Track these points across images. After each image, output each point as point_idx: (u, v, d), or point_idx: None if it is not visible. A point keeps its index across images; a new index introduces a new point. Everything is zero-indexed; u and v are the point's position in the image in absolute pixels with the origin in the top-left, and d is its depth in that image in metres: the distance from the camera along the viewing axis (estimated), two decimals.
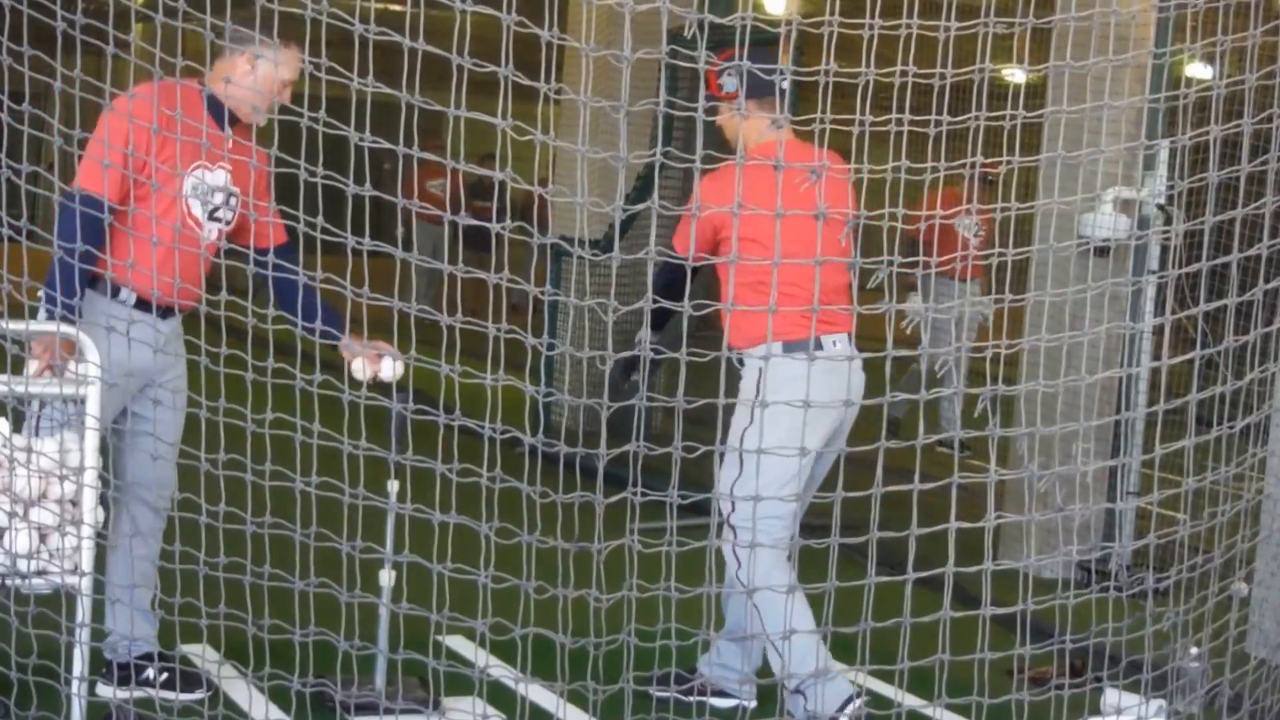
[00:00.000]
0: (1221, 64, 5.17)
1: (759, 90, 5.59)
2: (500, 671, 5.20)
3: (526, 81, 4.58)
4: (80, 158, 5.15)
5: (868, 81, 4.82)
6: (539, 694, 5.36)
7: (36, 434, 5.16)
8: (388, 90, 4.64)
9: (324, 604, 5.08)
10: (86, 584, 5.07)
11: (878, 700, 5.55)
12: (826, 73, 4.83)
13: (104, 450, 5.23)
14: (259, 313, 5.08)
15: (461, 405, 4.85)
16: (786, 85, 5.76)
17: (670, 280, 5.61)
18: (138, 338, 5.18)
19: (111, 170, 5.08)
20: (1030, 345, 5.62)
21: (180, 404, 5.43)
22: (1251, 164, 5.00)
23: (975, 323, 10.64)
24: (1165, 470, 5.28)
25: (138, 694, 5.30)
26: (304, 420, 4.91)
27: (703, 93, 4.51)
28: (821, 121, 5.20)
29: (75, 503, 5.07)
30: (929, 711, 5.23)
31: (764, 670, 5.89)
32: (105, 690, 5.43)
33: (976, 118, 4.70)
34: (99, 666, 5.47)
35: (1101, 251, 7.85)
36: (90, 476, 4.99)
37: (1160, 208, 7.99)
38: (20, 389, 5.06)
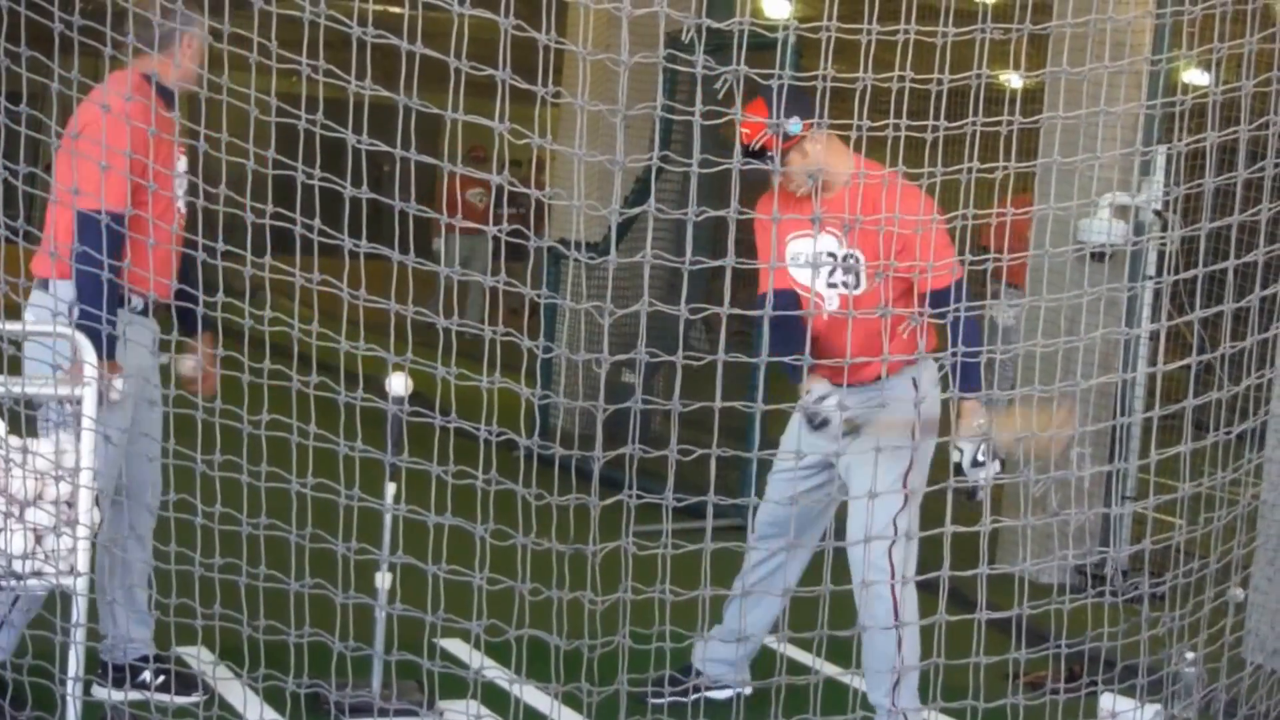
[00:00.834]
0: (1218, 70, 5.17)
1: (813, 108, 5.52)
2: (495, 673, 5.20)
3: (524, 85, 4.58)
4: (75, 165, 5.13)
5: (866, 86, 4.83)
6: (534, 696, 5.37)
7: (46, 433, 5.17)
8: (385, 93, 4.65)
9: (319, 605, 5.08)
10: (82, 585, 5.07)
11: (863, 703, 5.57)
12: (824, 77, 4.83)
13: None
14: (255, 314, 5.09)
15: (458, 408, 4.85)
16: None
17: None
18: (136, 339, 5.18)
19: (121, 179, 5.08)
20: (1027, 350, 5.62)
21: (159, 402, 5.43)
22: (1248, 170, 5.01)
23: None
24: (1162, 475, 5.28)
25: (133, 696, 5.30)
26: (300, 422, 4.91)
27: (699, 97, 4.51)
28: (819, 126, 5.22)
29: (71, 504, 5.07)
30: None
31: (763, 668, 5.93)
32: (101, 691, 5.43)
33: (974, 123, 4.70)
34: (94, 668, 5.47)
35: (1098, 257, 7.85)
36: (86, 477, 4.99)
37: (1157, 213, 7.99)
38: (16, 390, 5.06)
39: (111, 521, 5.33)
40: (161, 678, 5.47)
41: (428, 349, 4.85)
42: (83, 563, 5.07)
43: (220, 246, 5.20)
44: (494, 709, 5.41)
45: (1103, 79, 4.89)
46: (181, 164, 5.41)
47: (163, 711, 5.18)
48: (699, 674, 6.07)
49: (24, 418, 5.16)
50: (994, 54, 4.76)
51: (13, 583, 5.05)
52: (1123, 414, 7.83)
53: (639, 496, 4.77)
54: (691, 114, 4.53)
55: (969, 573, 4.94)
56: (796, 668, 5.07)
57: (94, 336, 5.00)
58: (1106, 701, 5.64)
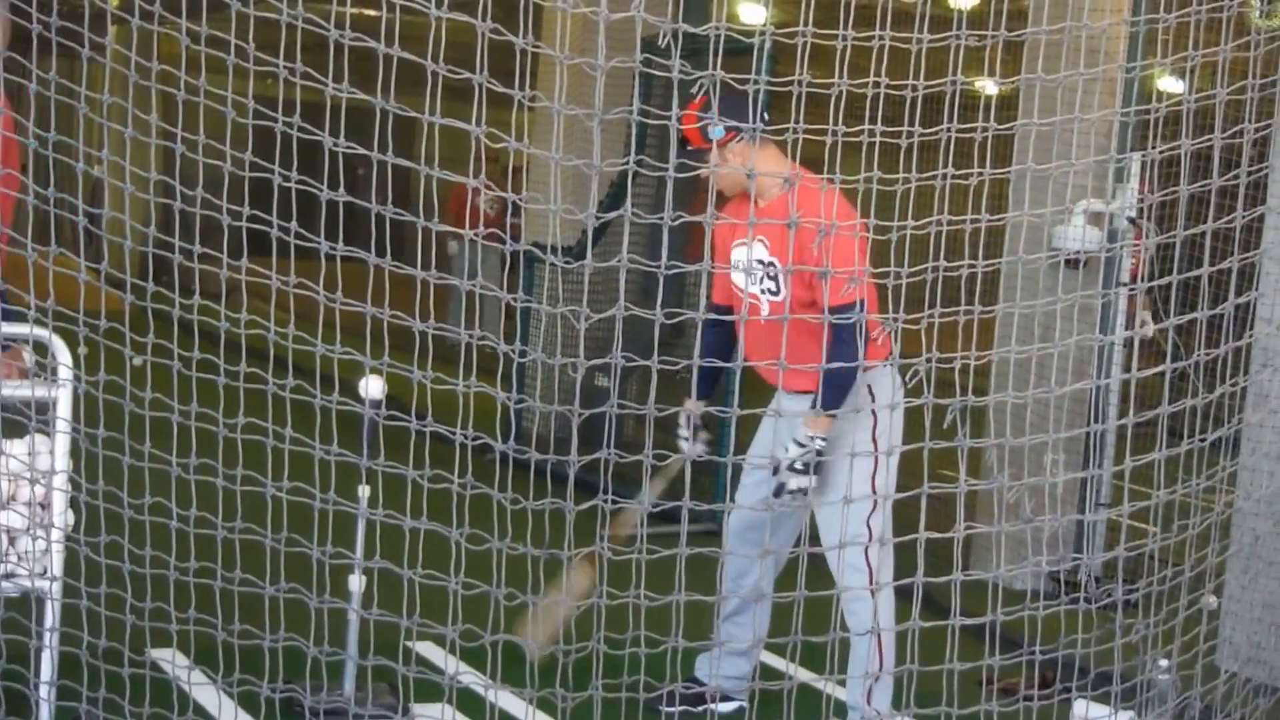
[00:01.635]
0: (1192, 78, 5.19)
1: (746, 114, 5.55)
2: (470, 678, 5.20)
3: (501, 88, 4.59)
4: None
5: (841, 92, 4.84)
6: (508, 701, 5.36)
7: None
8: (362, 96, 4.65)
9: (294, 609, 5.07)
10: (56, 588, 5.06)
11: (837, 709, 5.58)
12: (800, 83, 4.83)
13: (75, 454, 5.22)
14: (232, 316, 5.08)
15: (433, 411, 4.85)
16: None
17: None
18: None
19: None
20: (1000, 356, 5.64)
21: None
22: (1222, 178, 5.03)
23: None
24: (1135, 482, 5.29)
25: (105, 697, 5.29)
26: (276, 425, 4.91)
27: (675, 102, 4.52)
28: (795, 131, 5.22)
29: (45, 506, 5.06)
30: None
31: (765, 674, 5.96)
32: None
33: (949, 129, 4.71)
34: (69, 671, 5.45)
35: (1072, 263, 7.87)
36: (60, 480, 4.98)
37: (1131, 221, 8.02)
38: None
39: None
40: None
41: (404, 353, 4.84)
42: (56, 565, 5.06)
43: (196, 249, 5.21)
44: (468, 714, 5.40)
45: (1078, 86, 4.92)
46: None
47: (136, 715, 5.17)
48: (704, 684, 6.11)
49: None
50: (969, 60, 4.77)
51: None
52: (1096, 421, 7.86)
53: (614, 501, 4.78)
54: (668, 118, 4.54)
55: (943, 579, 4.95)
56: (770, 673, 5.09)
57: None
58: (1080, 709, 5.65)
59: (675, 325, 4.94)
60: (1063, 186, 7.51)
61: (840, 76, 4.78)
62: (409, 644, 5.22)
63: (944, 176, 4.75)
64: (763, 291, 5.74)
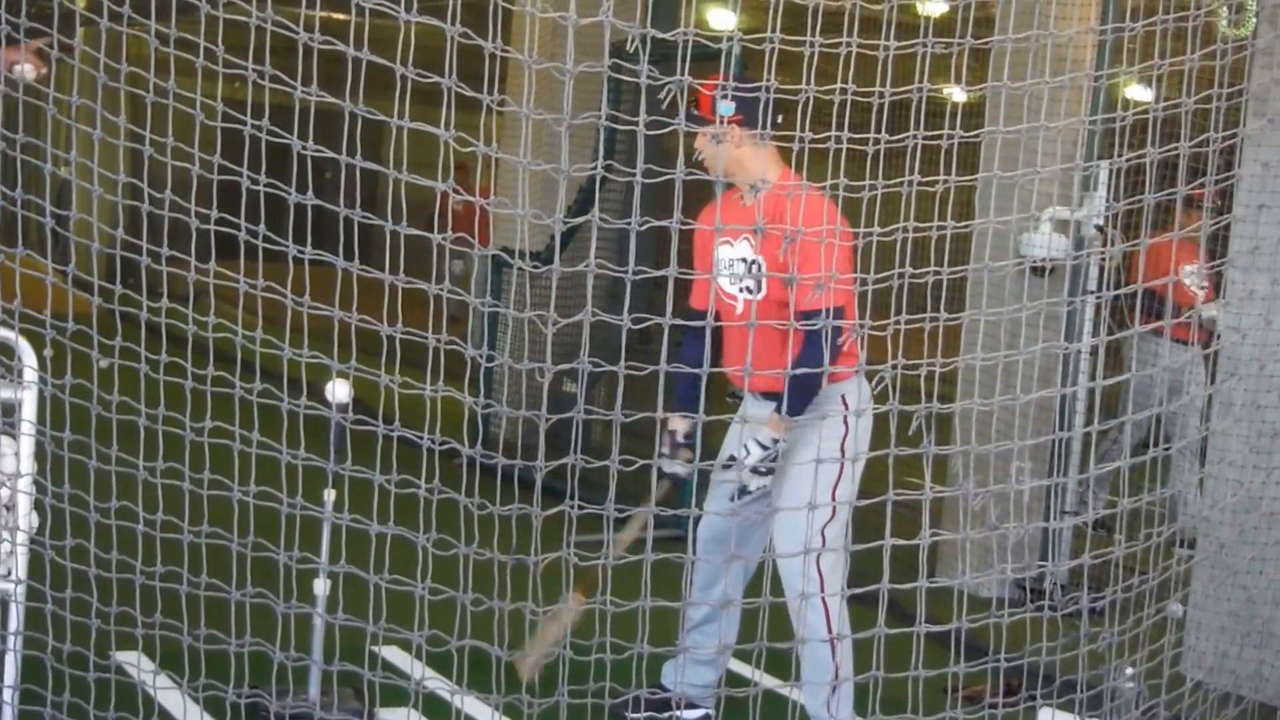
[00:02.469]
0: (1159, 87, 5.21)
1: (759, 119, 5.58)
2: (436, 683, 5.19)
3: (469, 92, 4.59)
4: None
5: (808, 98, 4.85)
6: (474, 706, 5.36)
7: None
8: (331, 99, 4.64)
9: (259, 614, 5.06)
10: (21, 591, 5.04)
11: (801, 715, 5.58)
12: (768, 89, 4.85)
13: (41, 456, 5.20)
14: (200, 320, 5.07)
15: (400, 416, 4.85)
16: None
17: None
18: None
19: None
20: (967, 363, 5.65)
21: None
22: (1188, 187, 5.05)
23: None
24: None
25: (70, 701, 5.27)
26: (242, 429, 4.90)
27: (643, 106, 4.52)
28: (762, 138, 5.24)
29: (10, 508, 5.04)
30: None
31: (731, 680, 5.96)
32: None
33: (915, 136, 4.73)
34: (32, 674, 5.43)
35: (1039, 271, 7.90)
36: (25, 483, 4.96)
37: (1098, 228, 8.05)
38: None
39: None
40: None
41: (371, 357, 4.84)
42: (21, 568, 5.04)
43: (164, 251, 5.19)
44: (434, 719, 5.39)
45: (1045, 94, 4.92)
46: None
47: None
48: (669, 691, 6.10)
49: None
50: (936, 68, 4.79)
51: None
52: (1062, 428, 7.88)
53: (580, 507, 4.78)
54: (635, 124, 4.54)
55: (908, 586, 4.96)
56: (735, 680, 5.09)
57: None
58: (1045, 716, 5.66)
59: (642, 331, 4.94)
60: (1029, 194, 7.54)
61: (808, 83, 4.79)
62: (374, 649, 5.22)
63: (911, 183, 4.76)
64: (741, 290, 5.75)
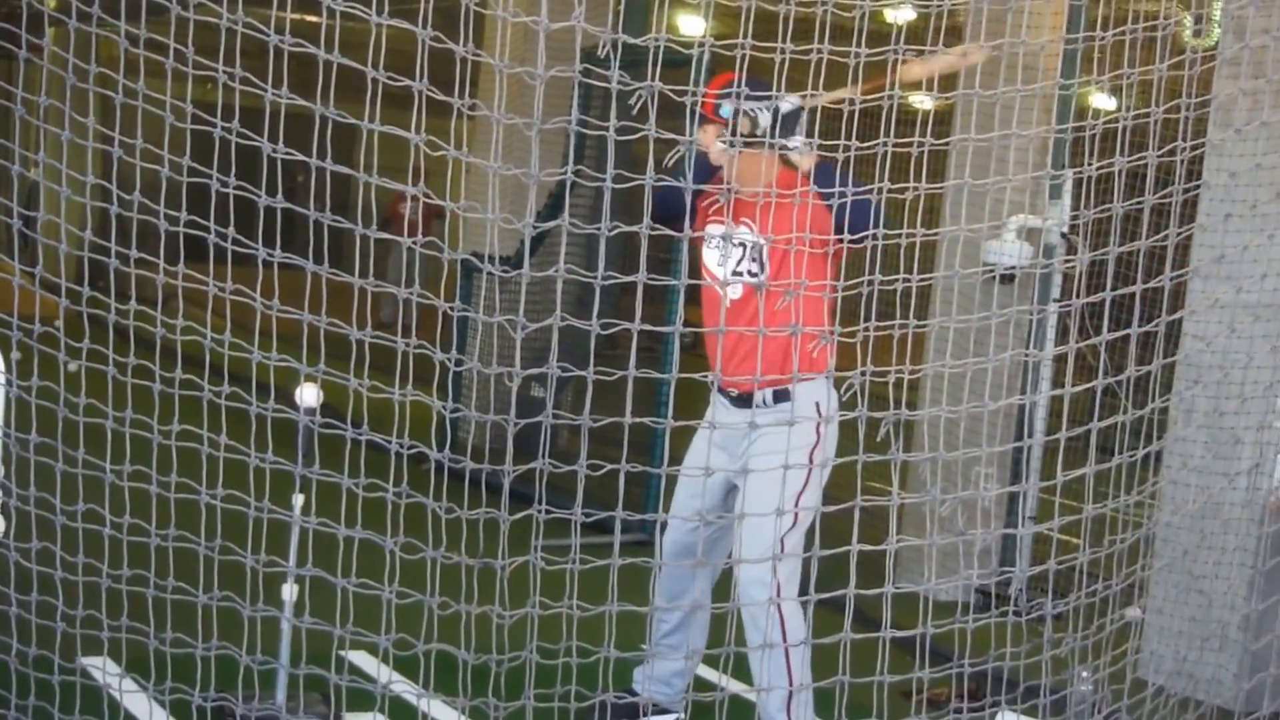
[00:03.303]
0: (1127, 96, 5.24)
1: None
2: (402, 687, 5.19)
3: (441, 96, 4.59)
4: None
5: (778, 105, 4.87)
6: (441, 710, 5.35)
7: None
8: (302, 102, 4.64)
9: (227, 618, 5.05)
10: None
11: None
12: (738, 95, 4.86)
13: (6, 459, 5.18)
14: (169, 323, 5.06)
15: (369, 420, 4.85)
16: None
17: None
18: None
19: None
20: (933, 371, 5.67)
21: None
22: (1155, 196, 5.08)
23: None
24: (1065, 497, 5.34)
25: (35, 705, 5.25)
26: (210, 432, 4.89)
27: (614, 111, 4.52)
28: (732, 144, 5.24)
29: None
30: None
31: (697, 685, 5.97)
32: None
33: (884, 143, 4.74)
34: None
35: (1005, 279, 7.93)
36: None
37: (1064, 237, 8.08)
38: None
39: None
40: None
41: (341, 361, 4.84)
42: None
43: (133, 254, 5.18)
44: None
45: (1014, 102, 4.95)
46: None
47: None
48: (638, 695, 6.10)
49: None
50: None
51: None
52: (1027, 435, 7.91)
53: (548, 511, 4.78)
54: (606, 129, 4.55)
55: (873, 591, 4.97)
56: (701, 684, 5.10)
57: None
58: None
59: (610, 336, 4.94)
60: (997, 202, 7.58)
61: (778, 89, 4.81)
62: (342, 653, 5.21)
63: (879, 190, 4.78)
64: (735, 274, 5.68)
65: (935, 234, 5.11)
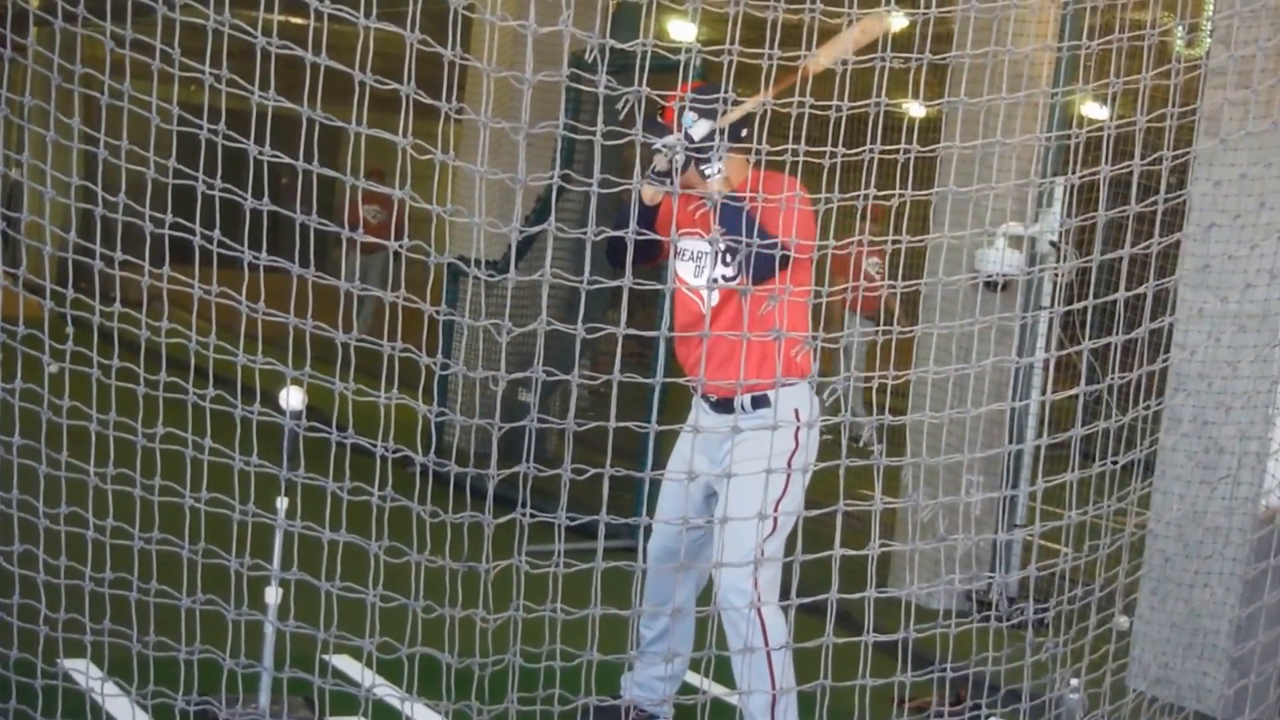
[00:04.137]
0: (1114, 105, 5.25)
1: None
2: (386, 691, 5.18)
3: (428, 100, 4.58)
4: None
5: (766, 110, 4.87)
6: (424, 714, 5.35)
7: None
8: (288, 104, 4.63)
9: (210, 621, 5.05)
10: None
11: None
12: (726, 101, 4.86)
13: None
14: (153, 325, 5.05)
15: (354, 423, 4.84)
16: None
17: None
18: None
19: None
20: (919, 376, 5.67)
21: None
22: (1141, 204, 5.08)
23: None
24: (1049, 503, 5.34)
25: (16, 708, 5.24)
26: (195, 435, 4.88)
27: (601, 116, 4.52)
28: (720, 151, 5.24)
29: None
30: None
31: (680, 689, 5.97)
32: None
33: (872, 150, 4.74)
34: None
35: (993, 286, 7.93)
36: None
37: (1052, 244, 8.09)
38: None
39: None
40: None
41: (326, 364, 4.83)
42: None
43: (117, 255, 5.17)
44: None
45: (1001, 110, 4.96)
46: None
47: None
48: (624, 699, 6.09)
49: None
50: (894, 82, 4.81)
51: None
52: (1013, 441, 7.92)
53: (532, 515, 4.78)
54: (593, 134, 4.55)
55: (857, 595, 4.97)
56: (684, 688, 5.10)
57: None
58: None
59: (596, 344, 4.94)
60: (984, 209, 7.58)
61: (765, 95, 4.80)
62: (325, 656, 5.21)
63: (867, 197, 4.78)
64: (711, 281, 5.66)
65: (922, 240, 5.10)
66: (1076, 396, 5.31)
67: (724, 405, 5.69)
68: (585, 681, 5.69)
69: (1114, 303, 5.05)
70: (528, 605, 4.82)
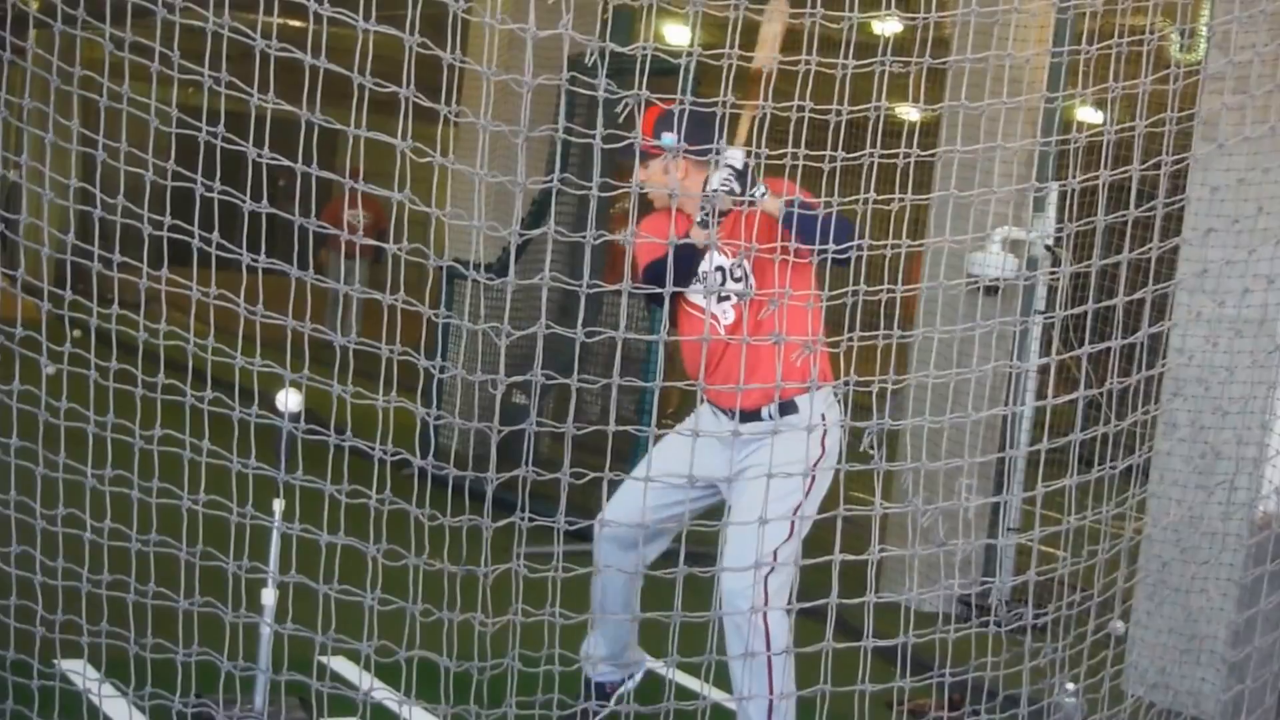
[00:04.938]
0: (1112, 110, 5.25)
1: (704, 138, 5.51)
2: (384, 694, 5.18)
3: (427, 103, 4.58)
4: None
5: (765, 115, 4.87)
6: (422, 717, 5.35)
7: None
8: (288, 107, 4.63)
9: (207, 623, 5.04)
10: None
11: None
12: (724, 104, 4.86)
13: None
14: (150, 327, 5.05)
15: (352, 426, 4.84)
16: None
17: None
18: None
19: None
20: (917, 381, 5.67)
21: None
22: (1139, 209, 5.09)
23: None
24: (1046, 508, 5.34)
25: (13, 709, 5.24)
26: (192, 437, 4.88)
27: (600, 120, 4.52)
28: (718, 154, 5.24)
29: None
30: None
31: (651, 694, 5.93)
32: None
33: (871, 154, 4.74)
34: None
35: (989, 290, 7.94)
36: None
37: (1048, 249, 8.10)
38: None
39: None
40: None
41: (323, 366, 4.83)
42: None
43: (115, 257, 5.17)
44: None
45: (999, 115, 4.96)
46: None
47: None
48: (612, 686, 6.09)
49: None
50: (892, 87, 4.81)
51: None
52: (1009, 446, 7.92)
53: (530, 519, 4.78)
54: (591, 137, 4.55)
55: (855, 601, 4.97)
56: (684, 693, 5.10)
57: None
58: None
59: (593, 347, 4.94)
60: (982, 214, 7.58)
61: (764, 99, 4.81)
62: (322, 659, 5.20)
63: (866, 201, 4.78)
64: (723, 299, 5.60)
65: (920, 245, 5.11)
66: (1073, 402, 5.31)
67: (748, 416, 5.60)
68: (583, 686, 5.71)
69: (1111, 308, 5.06)
70: (526, 609, 4.82)
